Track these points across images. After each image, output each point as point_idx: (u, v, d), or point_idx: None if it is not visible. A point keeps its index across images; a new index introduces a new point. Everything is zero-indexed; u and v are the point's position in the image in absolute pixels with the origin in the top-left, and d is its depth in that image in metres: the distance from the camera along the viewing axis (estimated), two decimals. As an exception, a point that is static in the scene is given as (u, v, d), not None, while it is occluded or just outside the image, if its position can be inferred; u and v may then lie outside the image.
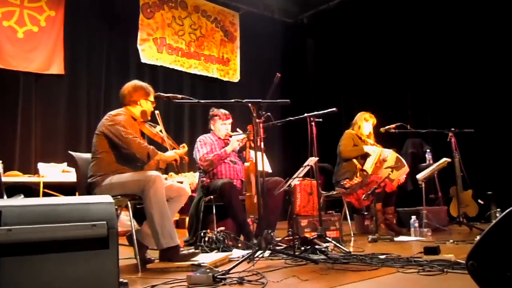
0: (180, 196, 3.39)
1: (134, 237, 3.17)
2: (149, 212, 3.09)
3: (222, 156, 4.42)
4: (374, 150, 5.04)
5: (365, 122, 5.33)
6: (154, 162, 3.42)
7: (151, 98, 3.56)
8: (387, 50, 7.66)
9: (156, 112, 3.59)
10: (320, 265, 2.89)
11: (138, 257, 3.09)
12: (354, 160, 5.11)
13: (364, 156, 5.09)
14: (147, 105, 3.53)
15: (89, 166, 3.37)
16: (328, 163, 5.91)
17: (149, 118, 3.60)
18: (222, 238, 3.69)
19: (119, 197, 3.16)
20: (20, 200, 1.72)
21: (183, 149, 3.61)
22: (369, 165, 4.95)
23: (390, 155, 4.95)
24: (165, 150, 3.49)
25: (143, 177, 3.15)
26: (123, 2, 7.27)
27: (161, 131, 3.59)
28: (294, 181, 3.91)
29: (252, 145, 3.85)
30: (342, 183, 5.07)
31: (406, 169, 5.00)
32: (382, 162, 4.91)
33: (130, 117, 3.45)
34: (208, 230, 3.83)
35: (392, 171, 4.73)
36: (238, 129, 4.54)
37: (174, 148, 3.62)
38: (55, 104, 6.53)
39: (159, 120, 3.57)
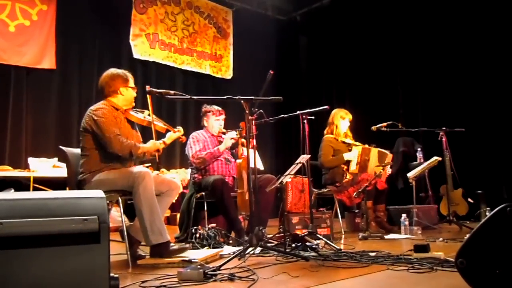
0: (171, 190, 3.37)
1: (125, 233, 3.17)
2: (138, 209, 3.07)
3: (215, 155, 4.41)
4: (354, 155, 4.98)
5: (341, 120, 5.22)
6: (141, 155, 3.37)
7: (131, 84, 3.47)
8: (379, 48, 7.69)
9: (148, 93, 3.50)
10: (310, 262, 2.90)
11: (129, 252, 3.08)
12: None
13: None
14: (128, 92, 3.44)
15: (79, 162, 3.33)
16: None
17: (133, 104, 3.52)
18: (213, 235, 3.70)
19: (110, 192, 3.13)
20: (10, 194, 1.71)
21: (178, 132, 3.58)
22: (353, 168, 4.95)
23: (371, 153, 4.94)
24: (157, 135, 3.45)
25: (132, 174, 3.11)
26: (116, -3, 7.23)
27: (149, 115, 3.49)
28: (286, 178, 3.91)
29: (245, 142, 3.84)
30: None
31: (390, 156, 5.03)
32: (366, 161, 4.91)
33: (112, 108, 3.36)
34: (199, 227, 3.83)
35: (383, 169, 4.75)
36: (225, 130, 4.55)
37: (168, 130, 3.57)
38: (46, 99, 6.50)
39: (149, 103, 3.46)
